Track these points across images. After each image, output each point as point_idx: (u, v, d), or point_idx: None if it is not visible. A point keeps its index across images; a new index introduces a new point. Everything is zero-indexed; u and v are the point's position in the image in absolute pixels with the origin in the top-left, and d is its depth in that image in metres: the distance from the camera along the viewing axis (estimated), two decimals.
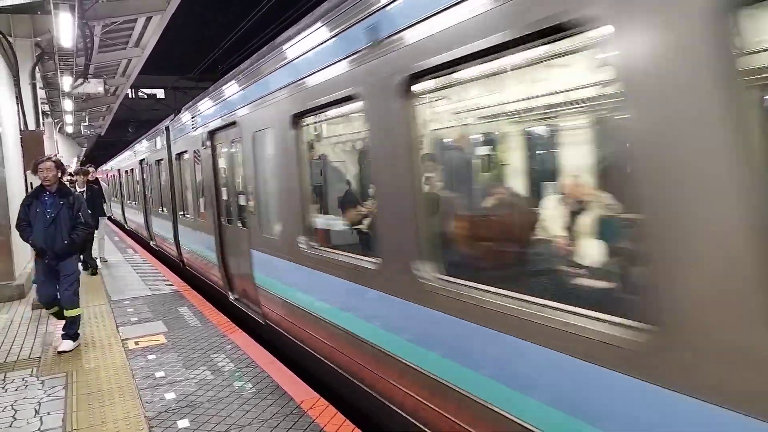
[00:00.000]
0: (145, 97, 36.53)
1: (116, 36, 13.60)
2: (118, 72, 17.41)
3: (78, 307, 6.55)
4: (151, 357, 6.05)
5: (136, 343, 6.63)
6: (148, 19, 12.43)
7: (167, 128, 11.60)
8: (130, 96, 31.86)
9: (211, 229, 8.40)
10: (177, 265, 11.96)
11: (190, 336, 6.78)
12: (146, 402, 4.82)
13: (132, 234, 20.33)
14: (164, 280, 10.74)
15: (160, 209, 13.52)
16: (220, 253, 8.14)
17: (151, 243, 15.49)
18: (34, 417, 4.66)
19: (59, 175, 6.45)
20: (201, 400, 4.79)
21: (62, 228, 6.28)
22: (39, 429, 4.44)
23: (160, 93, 37.23)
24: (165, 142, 11.72)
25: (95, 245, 12.01)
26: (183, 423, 4.36)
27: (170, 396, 4.91)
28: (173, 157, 11.18)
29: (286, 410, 4.49)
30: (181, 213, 11.03)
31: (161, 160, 12.62)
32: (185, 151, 10.05)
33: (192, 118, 9.30)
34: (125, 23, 12.59)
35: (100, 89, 14.69)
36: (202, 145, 8.50)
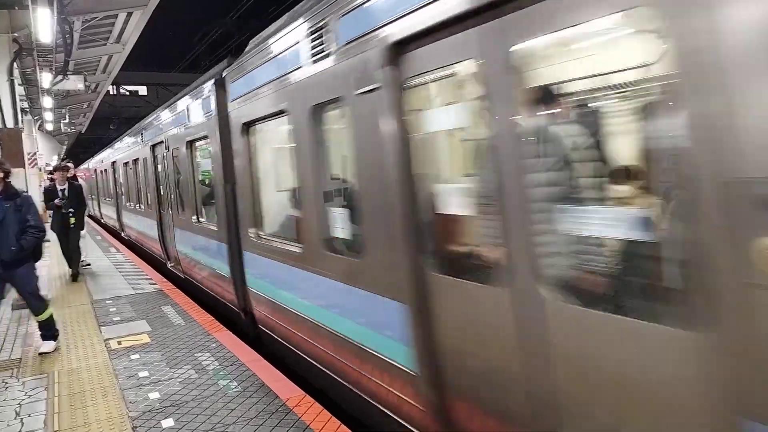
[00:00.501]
0: (127, 93, 36.07)
1: (96, 31, 13.39)
2: (98, 68, 17.17)
3: (47, 309, 6.38)
4: (134, 357, 5.99)
5: (119, 342, 6.57)
6: (129, 14, 12.27)
7: (221, 82, 6.76)
8: (111, 93, 31.45)
9: (374, 283, 3.88)
10: (231, 313, 7.44)
11: (174, 335, 6.73)
12: (130, 402, 4.77)
13: (131, 244, 16.13)
14: (147, 279, 10.64)
15: (194, 219, 8.60)
16: (421, 349, 3.44)
17: (169, 265, 10.98)
18: (15, 419, 4.59)
19: (1, 175, 5.99)
20: (185, 399, 4.76)
21: (9, 233, 5.88)
22: (20, 431, 4.38)
23: (142, 89, 36.77)
24: (213, 108, 6.96)
25: (82, 246, 11.57)
26: (167, 422, 4.33)
27: (154, 396, 4.87)
28: (235, 130, 6.41)
29: (272, 408, 4.47)
30: (253, 233, 6.18)
31: (199, 140, 8.09)
32: (278, 113, 5.20)
33: (309, 35, 4.38)
34: (106, 18, 12.41)
35: (81, 86, 14.50)
36: (357, 89, 3.73)
